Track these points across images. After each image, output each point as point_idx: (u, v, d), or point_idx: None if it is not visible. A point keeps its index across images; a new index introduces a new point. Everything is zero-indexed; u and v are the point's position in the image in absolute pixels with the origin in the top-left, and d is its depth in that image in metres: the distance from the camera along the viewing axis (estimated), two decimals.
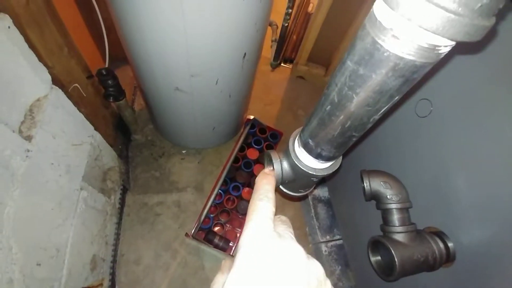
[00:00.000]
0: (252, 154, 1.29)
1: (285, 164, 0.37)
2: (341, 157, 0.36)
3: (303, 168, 0.34)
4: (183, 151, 1.41)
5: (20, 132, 0.67)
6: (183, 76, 0.86)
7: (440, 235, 0.63)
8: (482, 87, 0.56)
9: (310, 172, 0.34)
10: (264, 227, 0.24)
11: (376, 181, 0.63)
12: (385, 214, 0.63)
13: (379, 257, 0.64)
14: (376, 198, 0.65)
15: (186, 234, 1.09)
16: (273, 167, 0.38)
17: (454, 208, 0.62)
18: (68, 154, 0.82)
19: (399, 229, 0.60)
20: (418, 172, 0.69)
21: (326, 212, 1.25)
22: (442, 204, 0.65)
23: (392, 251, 0.56)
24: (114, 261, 1.07)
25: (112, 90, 1.05)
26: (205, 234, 1.13)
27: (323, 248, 1.17)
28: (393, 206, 0.62)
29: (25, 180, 0.63)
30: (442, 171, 0.64)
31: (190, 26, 0.69)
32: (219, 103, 1.04)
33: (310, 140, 0.31)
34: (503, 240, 0.53)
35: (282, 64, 1.96)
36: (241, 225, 1.21)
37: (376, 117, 0.24)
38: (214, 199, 1.16)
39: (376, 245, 0.64)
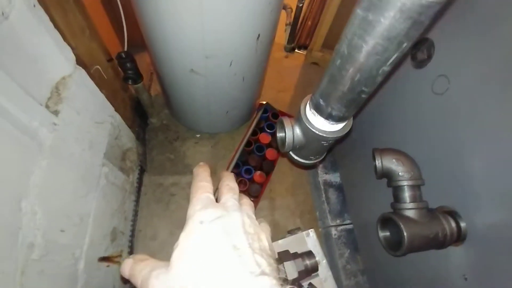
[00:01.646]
0: (264, 138, 1.30)
1: (297, 129, 0.38)
2: (351, 120, 0.36)
3: (314, 131, 0.35)
4: (197, 135, 1.45)
5: (47, 106, 0.71)
6: (198, 57, 0.88)
7: (453, 214, 0.63)
8: (500, 69, 0.54)
9: (320, 134, 0.35)
10: (205, 202, 0.28)
11: (388, 158, 0.63)
12: (396, 191, 0.63)
13: (388, 233, 0.65)
14: (387, 175, 0.65)
15: None
16: (285, 133, 0.39)
17: (469, 188, 0.61)
18: (91, 131, 0.87)
19: (410, 205, 0.60)
20: (432, 151, 0.68)
21: (337, 197, 1.25)
22: (457, 184, 0.64)
23: (401, 225, 0.56)
24: (132, 236, 1.14)
25: (130, 73, 1.09)
26: None
27: (333, 231, 1.18)
28: (405, 183, 0.62)
29: (52, 151, 0.68)
30: (458, 150, 0.63)
31: (205, 6, 0.71)
32: (233, 86, 1.05)
33: (321, 100, 0.32)
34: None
35: (296, 51, 1.94)
36: None
37: (386, 68, 0.24)
38: None
39: (386, 222, 0.64)
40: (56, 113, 0.72)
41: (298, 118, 0.38)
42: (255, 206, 1.25)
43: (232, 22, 0.77)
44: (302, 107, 0.37)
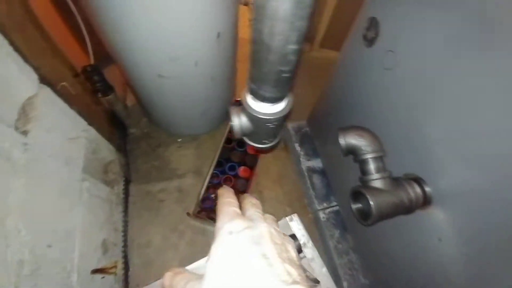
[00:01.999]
0: None
1: (243, 117, 0.41)
2: (289, 101, 0.39)
3: (256, 115, 0.38)
4: (179, 140, 1.46)
5: (16, 128, 0.72)
6: (163, 60, 0.90)
7: (417, 180, 0.66)
8: (443, 42, 0.57)
9: (262, 117, 0.37)
10: (232, 215, 0.29)
11: (350, 135, 0.66)
12: (362, 165, 0.66)
13: (359, 205, 0.68)
14: (352, 151, 0.68)
15: (188, 213, 1.15)
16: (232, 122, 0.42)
17: (430, 154, 0.64)
18: (65, 148, 0.88)
19: (375, 176, 0.63)
20: (392, 124, 0.71)
21: (321, 182, 1.29)
22: (418, 151, 0.67)
23: (368, 195, 0.59)
24: (125, 246, 1.15)
25: (99, 86, 1.10)
26: (208, 213, 1.19)
27: (321, 215, 1.22)
28: (368, 156, 0.65)
29: (27, 170, 0.69)
30: (415, 120, 0.66)
31: (157, 7, 0.72)
32: (202, 87, 1.07)
33: (252, 85, 0.34)
34: (475, 182, 0.55)
35: None
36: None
37: (292, 46, 0.27)
38: (210, 180, 1.21)
39: (357, 195, 0.67)
40: (25, 133, 0.73)
41: (242, 105, 0.40)
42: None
43: (187, 22, 0.78)
44: (242, 95, 0.39)
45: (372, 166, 0.65)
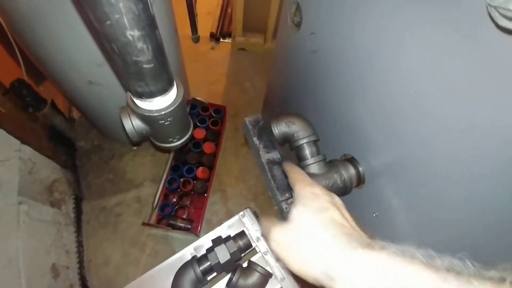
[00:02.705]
0: (199, 134, 1.29)
1: (134, 119, 0.38)
2: (177, 93, 0.36)
3: (143, 114, 0.35)
4: (134, 148, 1.39)
5: None
6: (90, 66, 0.84)
7: (352, 160, 0.67)
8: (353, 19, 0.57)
9: (149, 114, 0.35)
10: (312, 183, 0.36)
11: (281, 123, 0.65)
12: (297, 151, 0.66)
13: None
14: (287, 139, 0.67)
15: (143, 223, 1.10)
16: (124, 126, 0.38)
17: (360, 135, 0.65)
18: None
19: (310, 161, 0.63)
20: (324, 106, 0.71)
21: (281, 173, 1.28)
22: (350, 133, 0.68)
23: None
24: (81, 267, 1.08)
25: (29, 100, 1.01)
26: (167, 221, 1.14)
27: (284, 206, 1.22)
28: (301, 142, 0.64)
29: None
30: (343, 102, 0.66)
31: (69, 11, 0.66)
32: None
33: (122, 82, 0.31)
34: (402, 158, 0.56)
35: (221, 40, 1.93)
36: (202, 204, 1.23)
37: (132, 32, 0.24)
38: (168, 186, 1.17)
39: None
40: None
41: (130, 110, 0.37)
42: (205, 203, 1.24)
43: None
44: (127, 97, 0.36)
45: (306, 151, 0.64)
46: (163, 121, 0.36)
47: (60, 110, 1.27)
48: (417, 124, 0.47)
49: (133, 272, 1.12)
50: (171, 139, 0.42)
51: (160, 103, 0.35)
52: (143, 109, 0.34)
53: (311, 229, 0.27)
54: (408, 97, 0.48)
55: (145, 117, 0.35)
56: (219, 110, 1.35)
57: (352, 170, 0.64)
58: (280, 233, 0.29)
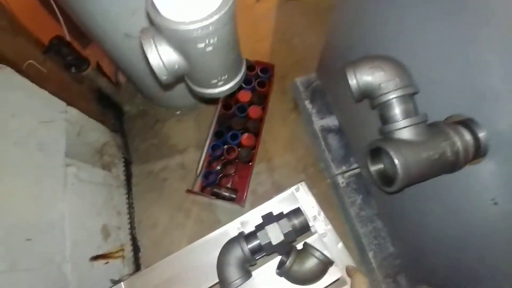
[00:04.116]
0: (244, 96, 1.16)
1: (161, 43, 0.24)
2: None
3: (172, 28, 0.21)
4: (177, 112, 1.34)
5: None
6: (124, 16, 0.74)
7: (467, 123, 0.46)
8: None
9: (183, 29, 0.21)
10: None
11: (363, 69, 0.47)
12: (383, 110, 0.48)
13: (381, 166, 0.50)
14: (368, 93, 0.49)
15: (187, 190, 1.06)
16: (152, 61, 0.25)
17: (483, 84, 0.43)
18: (37, 132, 0.79)
19: (402, 123, 0.45)
20: (424, 46, 0.49)
21: (338, 142, 1.10)
22: (465, 82, 0.46)
23: (390, 152, 0.42)
24: (132, 228, 1.10)
25: (70, 59, 0.98)
26: (211, 189, 1.08)
27: (340, 180, 1.06)
28: (390, 96, 0.45)
29: None
30: (459, 34, 0.44)
31: None
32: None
33: None
34: None
35: None
36: (247, 173, 1.14)
37: None
38: (211, 153, 1.09)
39: (377, 152, 0.50)
40: None
41: (154, 31, 0.23)
42: (250, 172, 1.14)
43: None
44: (147, 5, 0.22)
45: (397, 110, 0.46)
46: (203, 45, 0.23)
47: (105, 72, 1.25)
48: None
49: (179, 236, 1.12)
50: (215, 81, 0.29)
51: (198, 10, 0.20)
52: (173, 21, 0.21)
53: None
54: None
55: (177, 38, 0.22)
56: (267, 69, 1.18)
57: (468, 137, 0.44)
58: None
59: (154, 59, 0.24)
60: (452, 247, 0.61)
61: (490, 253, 0.54)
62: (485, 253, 0.54)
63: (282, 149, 1.24)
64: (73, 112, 0.97)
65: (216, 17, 0.20)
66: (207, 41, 0.22)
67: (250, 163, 1.14)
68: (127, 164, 1.22)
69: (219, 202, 1.14)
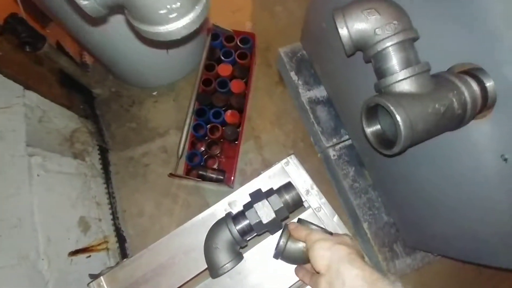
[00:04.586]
0: (225, 70, 1.06)
1: None
2: None
3: None
4: (154, 93, 1.23)
5: None
6: None
7: (474, 72, 0.40)
8: None
9: None
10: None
11: (355, 14, 0.39)
12: (379, 62, 0.41)
13: (378, 127, 0.45)
14: (361, 43, 0.42)
15: (170, 174, 0.99)
16: None
17: (491, 27, 0.37)
18: None
19: (402, 74, 0.39)
20: None
21: (327, 114, 1.05)
22: (471, 24, 0.40)
23: (390, 106, 0.36)
24: (115, 218, 1.03)
25: (25, 37, 0.85)
26: (197, 171, 1.02)
27: (331, 153, 1.01)
28: (387, 43, 0.39)
29: None
30: None
31: None
32: None
33: None
34: None
35: None
36: (234, 153, 1.07)
37: None
38: (188, 133, 1.01)
39: (373, 112, 0.44)
40: None
41: None
42: (238, 151, 1.08)
43: None
44: None
45: (395, 59, 0.40)
46: None
47: (67, 52, 1.12)
48: None
49: (168, 222, 1.06)
50: (164, 11, 0.21)
51: None
52: None
53: None
54: None
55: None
56: (247, 39, 1.09)
57: (475, 87, 0.38)
58: None
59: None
60: (453, 210, 0.58)
61: (491, 213, 0.51)
62: (487, 213, 0.51)
63: (269, 125, 1.18)
64: (33, 96, 0.86)
65: None
66: None
67: (237, 142, 1.08)
68: (103, 151, 1.13)
69: (207, 185, 1.08)
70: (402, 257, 0.91)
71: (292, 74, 1.10)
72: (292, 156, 0.68)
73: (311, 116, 1.05)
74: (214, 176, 1.01)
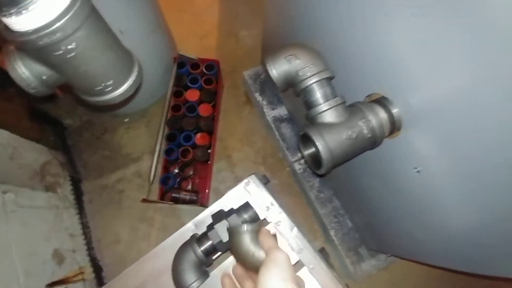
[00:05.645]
0: (192, 95, 1.13)
1: (20, 55, 0.22)
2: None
3: (19, 39, 0.19)
4: (126, 120, 1.27)
5: None
6: None
7: (381, 101, 0.49)
8: None
9: (26, 39, 0.19)
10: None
11: (279, 59, 0.47)
12: (305, 96, 0.49)
13: (313, 149, 0.52)
14: (289, 82, 0.50)
15: (143, 200, 1.02)
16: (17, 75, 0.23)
17: (393, 64, 0.46)
18: None
19: (322, 107, 0.47)
20: (343, 32, 0.51)
21: (291, 130, 1.13)
22: (378, 63, 0.49)
23: (312, 136, 0.43)
24: (90, 248, 1.04)
25: None
26: (171, 194, 1.05)
27: (297, 167, 1.09)
28: (309, 81, 0.47)
29: None
30: (371, 23, 0.46)
31: None
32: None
33: None
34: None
35: None
36: (207, 173, 1.12)
37: None
38: (158, 158, 1.06)
39: (306, 137, 0.51)
40: None
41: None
42: (210, 171, 1.13)
43: None
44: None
45: (317, 94, 0.48)
46: (61, 52, 0.21)
47: None
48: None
49: (146, 247, 1.08)
50: (99, 88, 0.27)
51: (41, 14, 0.18)
52: (17, 32, 0.19)
53: None
54: None
55: (29, 49, 0.20)
56: (212, 66, 1.16)
57: (382, 114, 0.47)
58: None
59: (17, 74, 0.21)
60: (394, 216, 0.66)
61: (425, 219, 0.59)
62: (422, 219, 0.59)
63: (240, 144, 1.24)
64: (4, 134, 0.88)
65: (61, 22, 0.19)
66: (63, 47, 0.20)
67: (209, 162, 1.13)
68: (75, 181, 1.14)
69: (183, 206, 1.12)
70: (367, 259, 0.98)
71: (257, 95, 1.18)
72: (253, 175, 0.74)
73: (277, 133, 1.13)
74: (187, 197, 1.05)
